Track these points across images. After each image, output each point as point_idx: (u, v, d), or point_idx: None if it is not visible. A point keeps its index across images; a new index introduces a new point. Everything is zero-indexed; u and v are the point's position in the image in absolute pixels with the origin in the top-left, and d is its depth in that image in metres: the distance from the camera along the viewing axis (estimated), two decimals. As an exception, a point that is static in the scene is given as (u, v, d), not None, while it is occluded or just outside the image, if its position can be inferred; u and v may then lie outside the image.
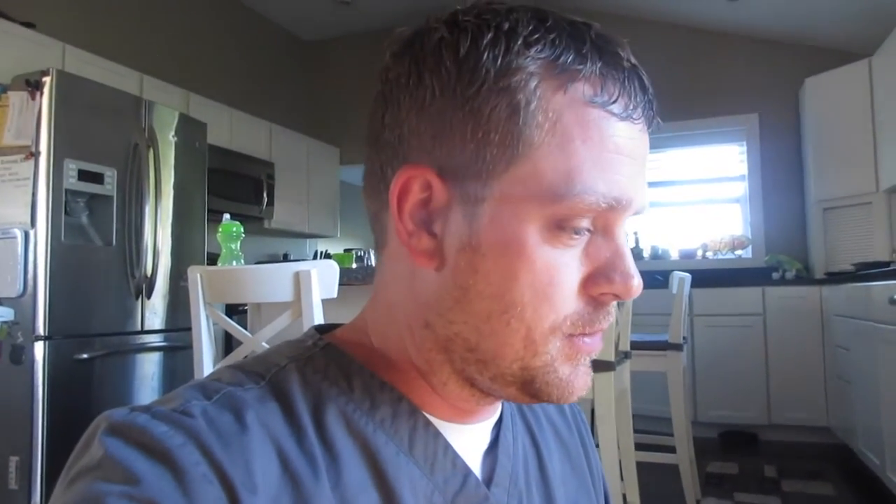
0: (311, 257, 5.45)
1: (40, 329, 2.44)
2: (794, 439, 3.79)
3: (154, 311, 2.94)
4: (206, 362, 1.56)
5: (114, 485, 0.33)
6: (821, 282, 3.80)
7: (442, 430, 0.45)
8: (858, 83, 3.78)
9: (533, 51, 0.40)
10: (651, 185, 0.46)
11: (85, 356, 2.59)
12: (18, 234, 2.46)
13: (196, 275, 1.54)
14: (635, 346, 2.41)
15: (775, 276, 4.12)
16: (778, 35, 4.36)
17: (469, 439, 0.47)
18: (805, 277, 4.06)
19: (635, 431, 2.29)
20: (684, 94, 4.47)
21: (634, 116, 0.42)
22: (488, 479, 0.46)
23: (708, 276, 4.05)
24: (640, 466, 2.25)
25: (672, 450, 2.60)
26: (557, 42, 0.40)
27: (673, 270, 2.57)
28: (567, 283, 0.41)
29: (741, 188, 4.67)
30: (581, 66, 0.40)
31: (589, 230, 0.42)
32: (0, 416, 2.47)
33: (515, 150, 0.40)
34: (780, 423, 3.77)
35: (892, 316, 2.39)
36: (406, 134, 0.42)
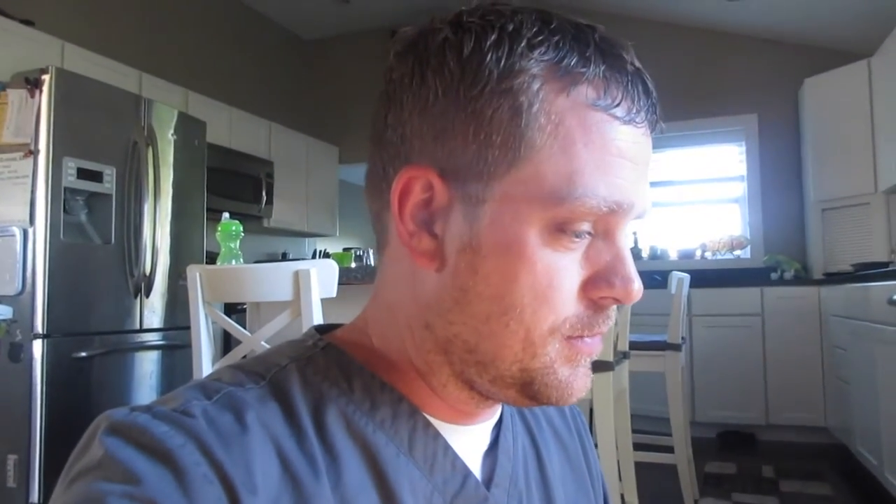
0: (310, 256, 5.45)
1: (39, 327, 2.44)
2: (792, 439, 3.79)
3: (153, 310, 2.94)
4: (205, 361, 1.56)
5: (114, 484, 0.33)
6: (819, 282, 3.80)
7: (442, 431, 0.45)
8: (857, 84, 3.78)
9: (536, 53, 0.40)
10: (650, 185, 0.45)
11: (83, 354, 2.59)
12: (17, 232, 2.46)
13: (195, 274, 1.54)
14: (634, 346, 2.42)
15: (774, 276, 4.12)
16: (777, 35, 4.37)
17: (469, 440, 0.47)
18: (803, 278, 4.07)
19: (633, 431, 2.29)
20: (683, 94, 4.47)
21: (637, 120, 0.41)
22: (488, 480, 0.47)
23: (706, 277, 4.05)
24: (639, 466, 2.25)
25: (670, 450, 2.60)
26: (561, 44, 0.40)
27: (672, 270, 2.57)
28: (567, 286, 0.41)
29: (740, 188, 4.67)
30: (584, 69, 0.40)
31: (590, 233, 0.41)
32: (-2, 414, 2.47)
33: (517, 153, 0.40)
34: (778, 423, 3.78)
35: (890, 316, 2.39)
36: (408, 134, 0.42)
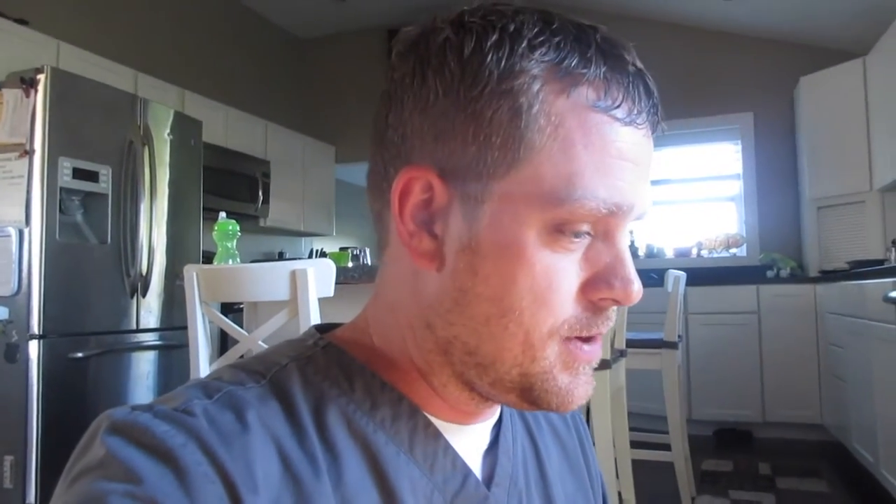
0: (307, 256, 5.44)
1: (35, 328, 2.43)
2: (789, 437, 3.81)
3: (149, 310, 2.93)
4: (202, 361, 1.55)
5: (116, 483, 0.33)
6: (815, 280, 3.82)
7: (442, 431, 0.45)
8: (853, 82, 3.79)
9: (537, 54, 0.40)
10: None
11: (80, 355, 2.58)
12: (13, 232, 2.45)
13: (192, 273, 1.54)
14: (631, 344, 2.42)
15: (770, 274, 4.14)
16: (773, 34, 4.38)
17: (469, 440, 0.47)
18: (799, 275, 4.08)
19: (630, 429, 2.29)
20: (679, 93, 4.47)
21: (638, 121, 0.41)
22: (488, 480, 0.47)
23: (703, 275, 4.06)
24: (636, 464, 2.26)
25: (667, 447, 2.60)
26: (562, 45, 0.40)
27: (668, 269, 2.58)
28: (566, 287, 0.41)
29: (736, 186, 4.69)
30: (585, 70, 0.40)
31: (589, 234, 0.41)
32: (-5, 414, 2.46)
33: (517, 154, 0.40)
34: (774, 420, 3.79)
35: (885, 314, 2.40)
36: (409, 134, 0.42)
